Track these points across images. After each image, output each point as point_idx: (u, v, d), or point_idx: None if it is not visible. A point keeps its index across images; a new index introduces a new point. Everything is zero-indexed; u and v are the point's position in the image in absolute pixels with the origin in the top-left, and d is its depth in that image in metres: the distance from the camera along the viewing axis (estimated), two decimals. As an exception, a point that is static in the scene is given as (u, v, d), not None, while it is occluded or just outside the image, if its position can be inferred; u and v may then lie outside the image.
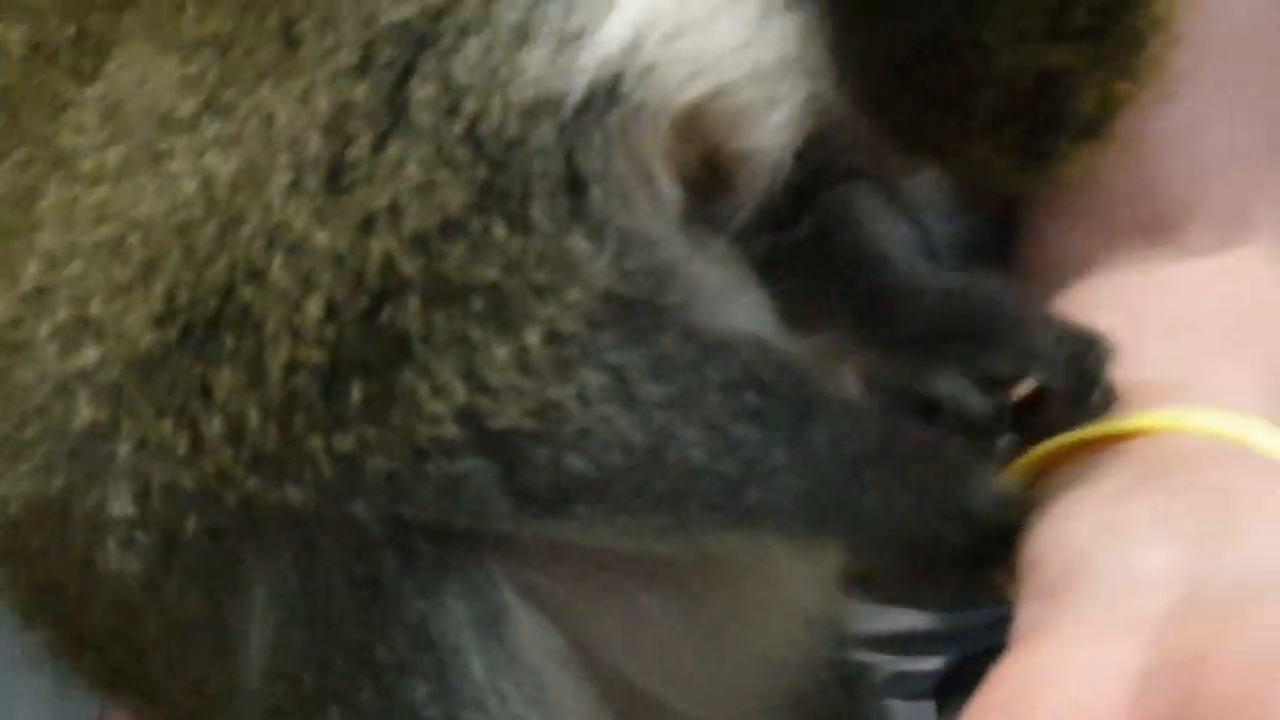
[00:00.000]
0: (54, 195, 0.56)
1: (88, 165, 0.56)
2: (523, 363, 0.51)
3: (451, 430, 0.52)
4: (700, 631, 0.65)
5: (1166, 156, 0.72)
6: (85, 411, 0.55)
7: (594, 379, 0.53)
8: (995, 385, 0.62)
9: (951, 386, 0.60)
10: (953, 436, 0.58)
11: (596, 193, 0.51)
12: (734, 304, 0.60)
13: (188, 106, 0.53)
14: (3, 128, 0.60)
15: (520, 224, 0.51)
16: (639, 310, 0.54)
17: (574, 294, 0.52)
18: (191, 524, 0.55)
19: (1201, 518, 0.50)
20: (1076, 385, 0.60)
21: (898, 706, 0.90)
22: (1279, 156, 0.77)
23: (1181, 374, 0.62)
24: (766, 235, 0.60)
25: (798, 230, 0.61)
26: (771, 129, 0.52)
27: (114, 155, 0.54)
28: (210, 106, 0.53)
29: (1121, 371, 0.63)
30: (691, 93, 0.51)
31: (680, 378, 0.54)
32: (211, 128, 0.52)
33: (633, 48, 0.50)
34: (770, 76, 0.52)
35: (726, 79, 0.51)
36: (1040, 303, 0.67)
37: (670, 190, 0.54)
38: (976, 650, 0.56)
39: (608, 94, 0.50)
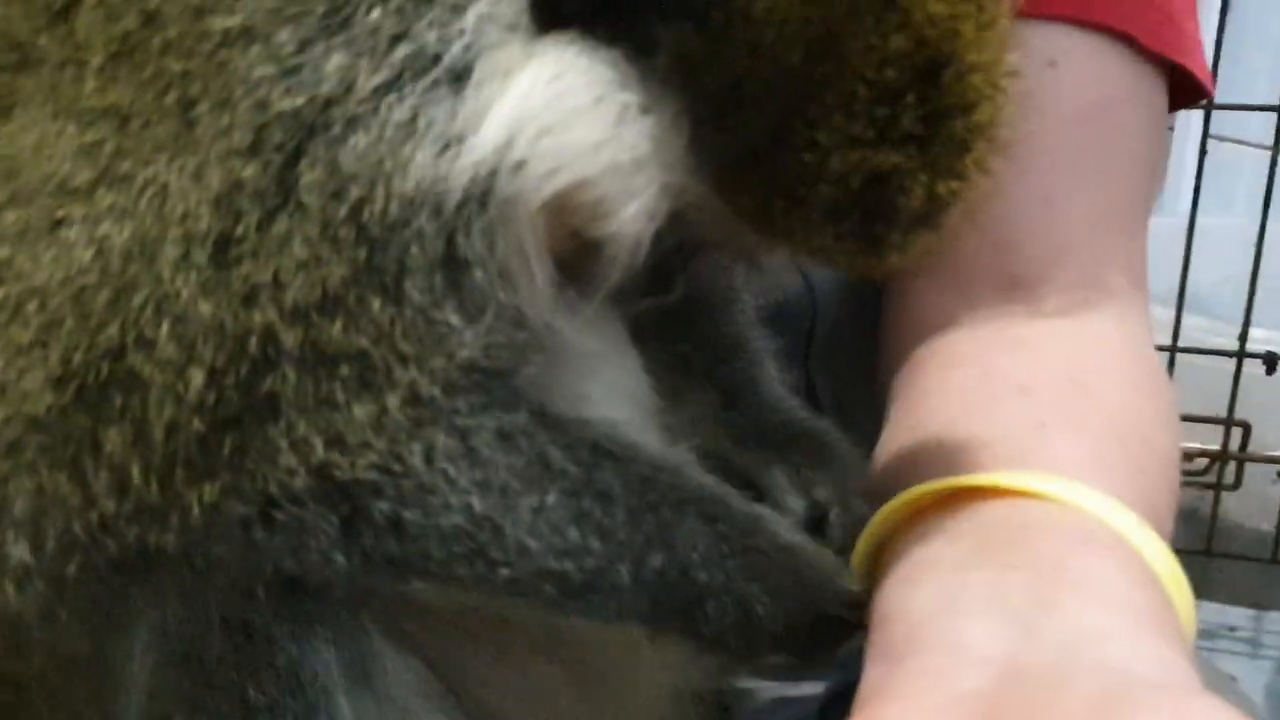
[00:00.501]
0: None
1: None
2: (380, 423, 0.54)
3: (301, 481, 0.54)
4: (576, 676, 0.68)
5: (1025, 222, 0.77)
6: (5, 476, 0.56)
7: (441, 440, 0.56)
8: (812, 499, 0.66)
9: (777, 483, 0.66)
10: (808, 550, 0.60)
11: (478, 273, 0.54)
12: (607, 366, 0.64)
13: (84, 175, 0.55)
14: None
15: (394, 298, 0.53)
16: (496, 381, 0.57)
17: (437, 361, 0.55)
18: (80, 569, 0.57)
19: (1029, 594, 0.53)
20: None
21: (781, 730, 0.93)
22: (1130, 226, 0.82)
23: (1025, 439, 0.66)
24: (643, 299, 0.63)
25: (671, 295, 0.64)
26: (630, 217, 0.55)
27: (12, 218, 0.56)
28: (107, 176, 0.54)
29: (973, 429, 0.67)
30: (555, 185, 0.54)
31: (525, 455, 0.57)
32: (107, 198, 0.54)
33: (506, 146, 0.53)
34: (627, 172, 0.54)
35: (586, 174, 0.54)
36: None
37: (546, 267, 0.57)
38: (857, 675, 0.59)
39: (485, 188, 0.53)
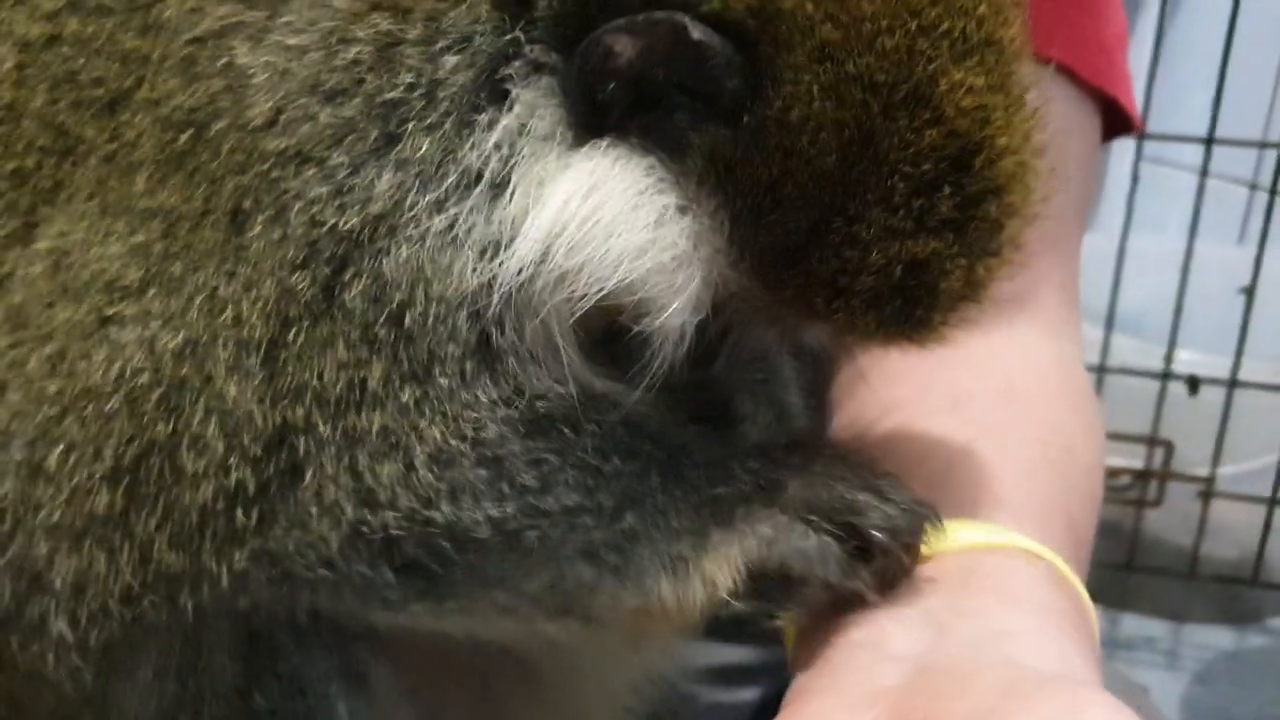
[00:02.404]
0: (4, 346, 0.58)
1: (40, 320, 0.57)
2: (406, 480, 0.56)
3: (334, 543, 0.56)
4: (532, 699, 0.70)
5: None
6: (52, 557, 0.57)
7: (470, 476, 0.56)
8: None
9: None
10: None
11: (510, 361, 0.56)
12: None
13: (134, 274, 0.56)
14: None
15: (423, 384, 0.55)
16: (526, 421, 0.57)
17: (466, 427, 0.56)
18: (102, 638, 0.59)
19: (943, 595, 0.57)
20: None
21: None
22: (1066, 249, 0.86)
23: (954, 452, 0.69)
24: (688, 372, 0.63)
25: (715, 368, 0.65)
26: (674, 311, 0.56)
27: (63, 314, 0.57)
28: (156, 277, 0.55)
29: (910, 444, 0.70)
30: (600, 290, 0.55)
31: (557, 432, 0.57)
32: (157, 300, 0.55)
33: (542, 258, 0.54)
34: (669, 271, 0.55)
35: (629, 278, 0.55)
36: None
37: (576, 353, 0.58)
38: (789, 682, 0.62)
39: (523, 294, 0.55)
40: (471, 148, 0.55)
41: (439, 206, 0.55)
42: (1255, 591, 2.01)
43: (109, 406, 0.55)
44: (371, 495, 0.55)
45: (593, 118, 0.55)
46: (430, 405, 0.55)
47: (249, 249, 0.54)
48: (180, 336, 0.55)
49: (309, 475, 0.55)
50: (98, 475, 0.55)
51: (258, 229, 0.54)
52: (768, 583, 0.58)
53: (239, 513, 0.55)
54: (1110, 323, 1.86)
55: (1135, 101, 0.93)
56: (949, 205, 0.54)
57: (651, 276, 0.55)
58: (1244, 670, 2.01)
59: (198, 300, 0.55)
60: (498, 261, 0.54)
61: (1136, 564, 1.96)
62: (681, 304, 0.56)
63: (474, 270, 0.55)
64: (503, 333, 0.56)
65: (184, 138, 0.55)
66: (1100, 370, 1.87)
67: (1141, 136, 1.79)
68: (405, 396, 0.55)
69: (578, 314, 0.56)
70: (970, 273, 0.56)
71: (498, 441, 0.56)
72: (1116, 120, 0.93)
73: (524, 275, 0.54)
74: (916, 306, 0.56)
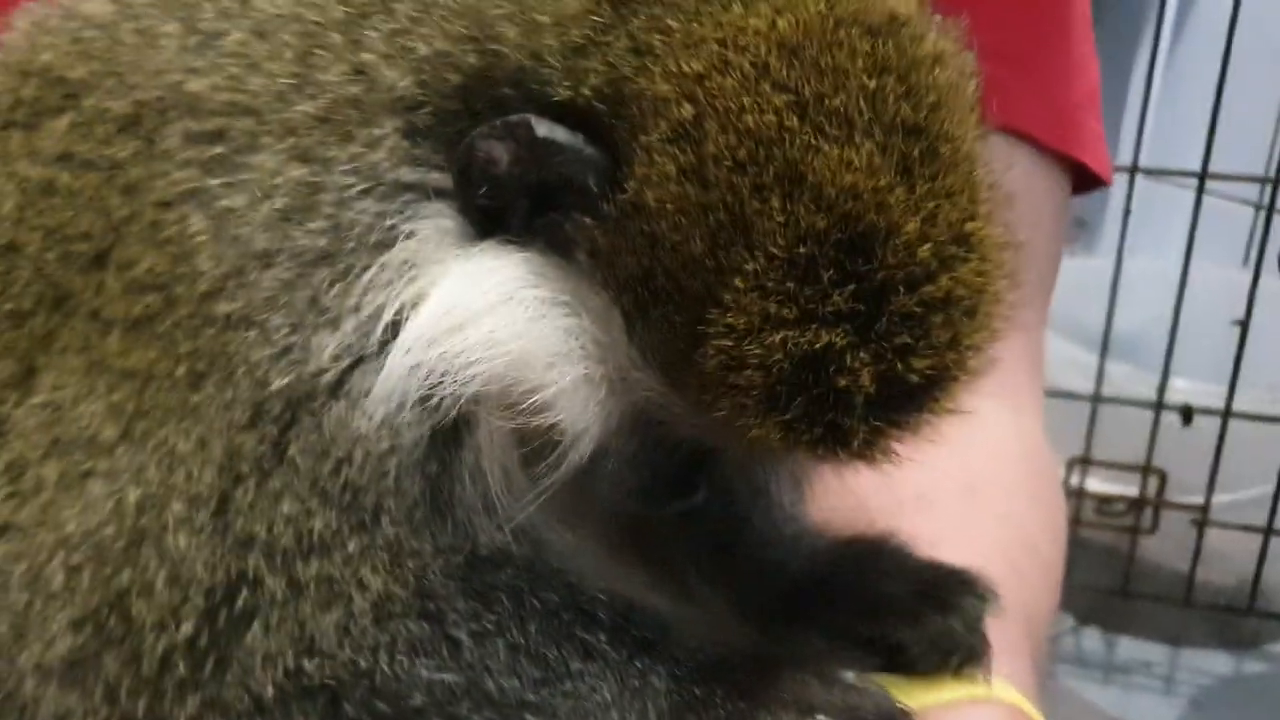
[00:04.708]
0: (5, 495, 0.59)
1: (34, 472, 0.58)
2: (347, 630, 0.56)
3: (270, 691, 0.56)
4: None
5: None
6: (37, 694, 0.58)
7: (413, 630, 0.56)
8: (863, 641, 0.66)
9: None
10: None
11: (460, 512, 0.57)
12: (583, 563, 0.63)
13: (110, 432, 0.57)
14: None
15: (370, 533, 0.56)
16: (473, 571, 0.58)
17: (408, 574, 0.57)
18: None
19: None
20: (935, 652, 0.64)
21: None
22: (1030, 320, 0.87)
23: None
24: (670, 503, 0.63)
25: (696, 498, 0.64)
26: (566, 406, 0.55)
27: (53, 470, 0.58)
28: (127, 435, 0.56)
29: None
30: (475, 383, 0.54)
31: (501, 606, 0.57)
32: (125, 458, 0.56)
33: (413, 367, 0.54)
34: (544, 363, 0.54)
35: (503, 368, 0.54)
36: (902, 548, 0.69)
37: (517, 473, 0.58)
38: None
39: (451, 426, 0.56)
40: (372, 290, 0.55)
41: (364, 362, 0.55)
42: (1252, 618, 2.02)
43: (78, 557, 0.57)
44: (312, 644, 0.56)
45: (488, 226, 0.55)
46: (374, 553, 0.56)
47: (202, 409, 0.55)
48: (140, 492, 0.56)
49: (257, 625, 0.56)
50: (66, 621, 0.57)
51: (210, 390, 0.55)
52: None
53: (194, 662, 0.56)
54: (1104, 351, 1.87)
55: (1106, 156, 0.95)
56: (845, 294, 0.51)
57: (524, 367, 0.55)
58: (1241, 696, 2.02)
59: (156, 458, 0.56)
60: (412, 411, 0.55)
61: (1133, 589, 1.98)
62: (569, 397, 0.55)
63: (394, 421, 0.55)
64: (448, 482, 0.57)
65: (150, 300, 0.56)
66: (1095, 400, 1.89)
67: (1133, 171, 1.81)
68: (351, 546, 0.56)
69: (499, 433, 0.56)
70: (884, 372, 0.51)
71: (440, 593, 0.57)
72: (1092, 173, 0.95)
73: (399, 390, 0.54)
74: (825, 409, 0.52)
